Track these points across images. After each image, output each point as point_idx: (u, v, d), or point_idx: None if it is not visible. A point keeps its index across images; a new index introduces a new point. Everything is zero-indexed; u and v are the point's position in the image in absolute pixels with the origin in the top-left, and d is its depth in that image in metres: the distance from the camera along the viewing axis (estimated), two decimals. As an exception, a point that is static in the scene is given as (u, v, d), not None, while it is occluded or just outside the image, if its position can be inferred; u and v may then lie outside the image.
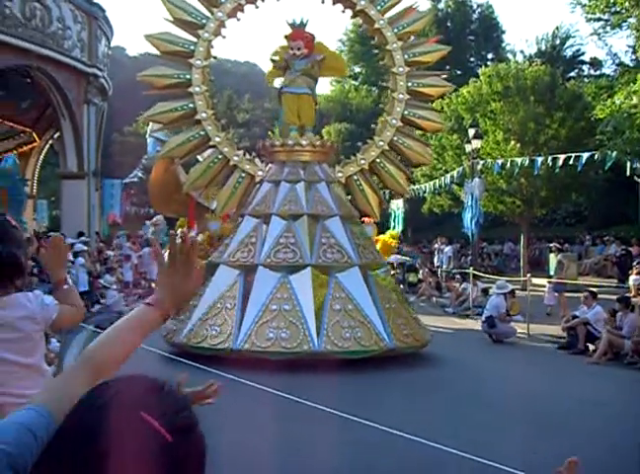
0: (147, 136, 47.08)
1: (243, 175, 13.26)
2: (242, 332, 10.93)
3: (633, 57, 30.14)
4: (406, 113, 13.71)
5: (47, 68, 21.68)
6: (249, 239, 12.22)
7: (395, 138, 13.67)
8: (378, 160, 13.63)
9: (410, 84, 13.87)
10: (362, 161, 13.62)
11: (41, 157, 29.14)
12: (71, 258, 14.81)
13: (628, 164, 20.95)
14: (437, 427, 7.52)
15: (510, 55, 45.60)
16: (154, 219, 32.01)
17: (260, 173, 13.25)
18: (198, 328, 11.36)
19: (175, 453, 1.14)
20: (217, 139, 13.20)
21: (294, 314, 11.03)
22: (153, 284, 23.03)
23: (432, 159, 15.44)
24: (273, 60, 14.16)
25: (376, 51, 48.59)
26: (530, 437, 7.27)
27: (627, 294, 15.34)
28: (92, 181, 24.67)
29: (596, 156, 20.52)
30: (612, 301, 13.49)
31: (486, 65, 32.92)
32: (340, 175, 13.57)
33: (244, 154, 13.44)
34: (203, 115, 13.12)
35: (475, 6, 51.91)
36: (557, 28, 47.75)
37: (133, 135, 52.51)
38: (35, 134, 27.55)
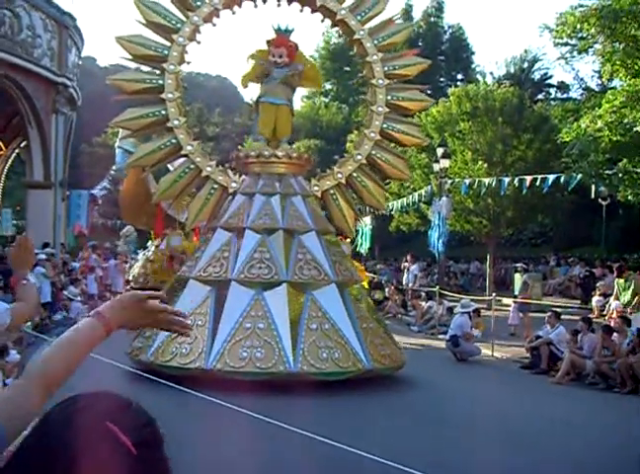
0: (116, 147, 46.73)
1: (215, 186, 12.67)
2: (214, 351, 10.41)
3: (599, 82, 30.84)
4: (385, 126, 13.23)
5: (16, 76, 21.45)
6: (221, 253, 11.68)
7: (373, 152, 13.17)
8: (355, 174, 13.13)
9: (389, 97, 13.36)
10: (339, 175, 13.10)
11: (7, 166, 28.77)
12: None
13: (593, 187, 21.32)
14: (409, 448, 7.50)
15: (479, 76, 46.19)
16: (124, 230, 31.62)
17: (233, 184, 12.67)
18: (166, 345, 10.71)
19: (139, 467, 1.14)
20: (189, 148, 12.57)
21: (269, 333, 10.58)
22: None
23: (409, 174, 14.78)
24: (253, 56, 13.32)
25: (347, 69, 49.12)
26: (499, 457, 7.31)
27: (590, 315, 15.54)
28: (58, 191, 24.39)
29: (561, 178, 20.85)
30: (576, 322, 13.66)
31: (456, 85, 33.40)
32: (316, 189, 13.05)
33: (217, 165, 12.94)
34: (176, 122, 12.48)
35: (446, 27, 52.59)
36: (526, 51, 48.61)
37: (102, 146, 52.09)
38: (1, 142, 27.21)
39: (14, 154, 28.12)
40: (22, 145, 26.05)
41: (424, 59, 14.43)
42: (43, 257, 16.64)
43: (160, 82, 12.52)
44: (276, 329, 10.60)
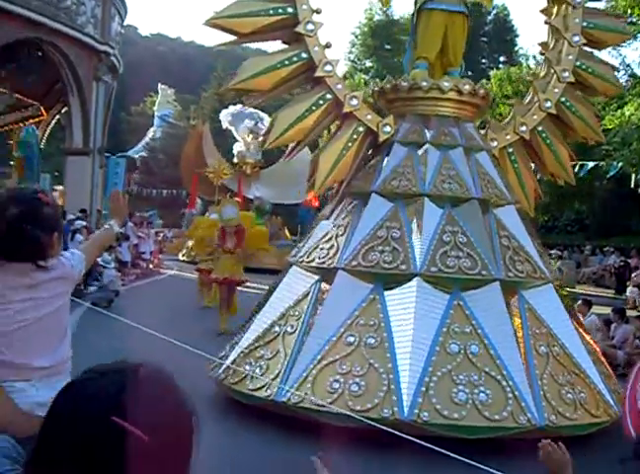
0: (156, 111, 46.86)
1: (360, 129, 8.31)
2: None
3: (645, 69, 30.13)
4: (577, 64, 9.29)
5: (59, 43, 21.64)
6: (387, 232, 7.44)
7: (562, 99, 9.16)
8: (540, 128, 9.10)
9: (585, 24, 9.37)
10: (523, 128, 8.99)
11: (47, 131, 29.14)
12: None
13: (633, 175, 21.02)
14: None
15: (522, 59, 45.52)
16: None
17: (386, 129, 8.31)
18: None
19: (155, 453, 1.08)
20: (327, 68, 8.13)
21: (489, 363, 6.60)
22: (151, 266, 23.11)
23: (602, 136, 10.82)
24: None
25: (389, 47, 48.65)
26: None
27: (624, 306, 15.38)
28: (96, 158, 24.67)
29: (602, 165, 20.58)
30: (608, 313, 13.52)
31: (498, 68, 32.87)
32: (494, 144, 8.99)
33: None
34: (309, 26, 8.06)
35: (491, 7, 51.81)
36: (571, 34, 47.62)
37: (140, 115, 52.58)
38: (42, 108, 27.53)
39: (54, 120, 28.44)
40: (62, 111, 26.33)
41: None
42: (84, 223, 16.88)
43: (289, 10, 8.10)
44: (504, 364, 6.61)
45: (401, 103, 8.60)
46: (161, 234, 30.85)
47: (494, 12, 51.73)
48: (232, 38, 8.27)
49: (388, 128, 8.32)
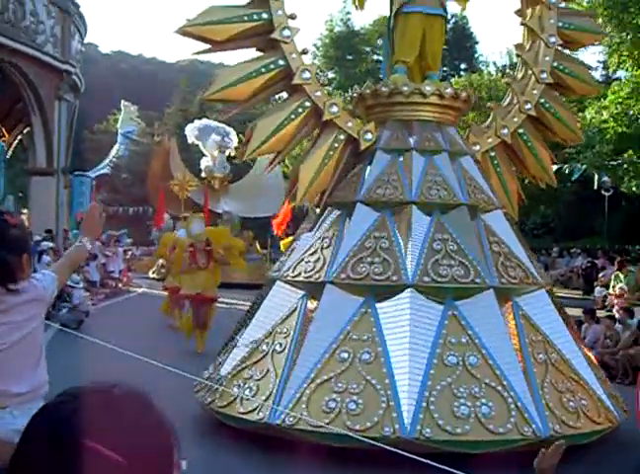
0: (119, 129, 46.37)
1: (341, 137, 8.03)
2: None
3: (603, 73, 30.72)
4: (554, 65, 9.16)
5: (19, 63, 21.43)
6: (376, 242, 7.19)
7: (542, 101, 9.01)
8: (521, 131, 8.93)
9: (560, 24, 9.25)
10: (504, 130, 8.80)
11: (10, 152, 28.78)
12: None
13: (596, 177, 21.35)
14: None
15: (482, 66, 46.08)
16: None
17: (368, 136, 8.04)
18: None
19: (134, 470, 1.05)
20: (305, 76, 7.87)
21: (489, 374, 6.41)
22: (120, 284, 22.87)
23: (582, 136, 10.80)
24: None
25: (350, 57, 48.94)
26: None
27: (593, 306, 15.54)
28: (61, 178, 24.45)
29: (565, 169, 20.86)
30: (578, 315, 13.66)
31: (459, 75, 33.16)
32: (477, 148, 8.75)
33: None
34: (285, 32, 7.78)
35: (449, 16, 52.36)
36: (530, 40, 48.30)
37: (104, 133, 52.21)
38: (3, 129, 27.20)
39: (16, 141, 28.12)
40: (24, 132, 26.05)
41: None
42: (51, 244, 16.67)
43: (264, 16, 7.82)
44: (499, 369, 6.46)
45: (381, 108, 8.36)
46: (129, 252, 30.57)
47: (453, 20, 52.35)
48: (205, 46, 7.99)
49: (369, 136, 8.06)
